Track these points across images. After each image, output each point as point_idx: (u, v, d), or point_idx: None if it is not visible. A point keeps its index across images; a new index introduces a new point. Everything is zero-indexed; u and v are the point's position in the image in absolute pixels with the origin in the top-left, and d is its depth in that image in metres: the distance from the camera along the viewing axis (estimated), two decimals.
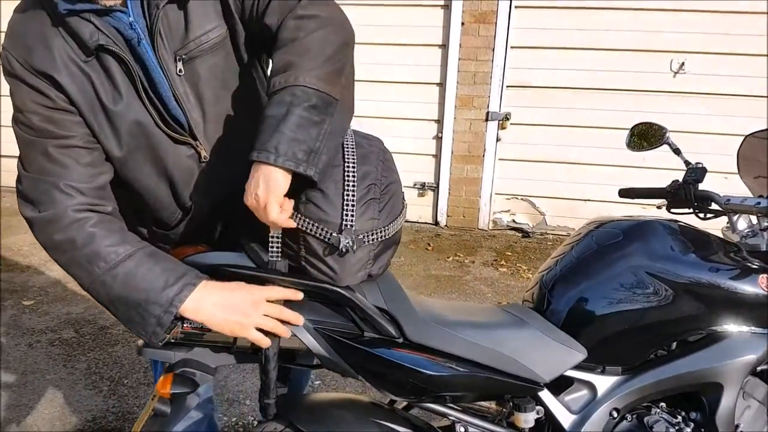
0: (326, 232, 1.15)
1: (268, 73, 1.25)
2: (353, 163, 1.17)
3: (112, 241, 1.15)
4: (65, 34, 1.12)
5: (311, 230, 1.15)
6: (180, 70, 1.19)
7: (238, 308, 1.15)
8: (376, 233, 1.19)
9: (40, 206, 1.15)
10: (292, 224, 1.14)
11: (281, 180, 1.09)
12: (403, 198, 1.29)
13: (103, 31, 1.12)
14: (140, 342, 1.26)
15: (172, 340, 1.22)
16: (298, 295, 1.19)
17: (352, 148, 1.19)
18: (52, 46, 1.12)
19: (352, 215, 1.14)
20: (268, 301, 1.17)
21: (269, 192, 1.09)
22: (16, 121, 1.17)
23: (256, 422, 2.42)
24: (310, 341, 1.23)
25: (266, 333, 1.18)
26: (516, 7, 4.50)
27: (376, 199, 1.18)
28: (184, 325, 1.20)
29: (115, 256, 1.14)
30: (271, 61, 1.19)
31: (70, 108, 1.15)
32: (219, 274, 1.23)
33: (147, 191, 1.27)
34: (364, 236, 1.17)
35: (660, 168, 3.65)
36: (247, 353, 1.27)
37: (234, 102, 1.27)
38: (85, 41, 1.11)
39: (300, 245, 1.19)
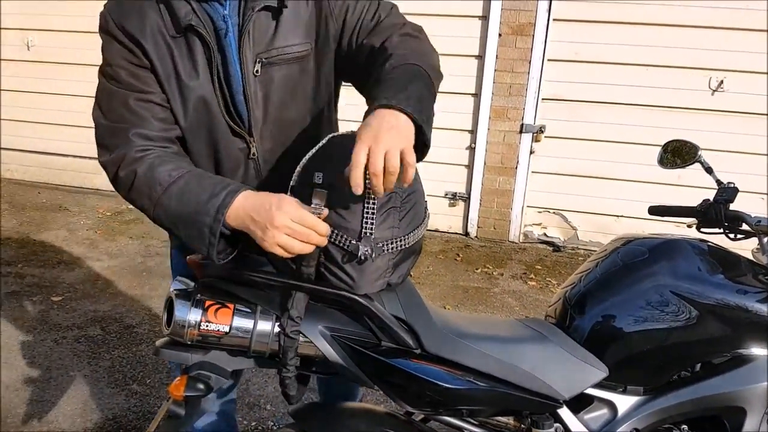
0: (345, 239, 1.15)
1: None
2: None
3: (168, 167, 1.22)
4: (162, 8, 1.23)
5: (330, 237, 1.16)
6: (257, 71, 1.28)
7: (263, 210, 1.11)
8: (396, 242, 1.18)
9: (113, 150, 1.24)
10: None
11: (411, 130, 1.07)
12: (426, 208, 1.28)
13: (197, 14, 1.23)
14: (157, 343, 1.27)
15: (189, 342, 1.22)
16: (322, 239, 1.11)
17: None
18: (146, 17, 1.23)
19: (372, 223, 1.14)
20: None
21: (408, 140, 1.05)
22: (103, 73, 1.27)
23: (275, 427, 2.43)
24: (326, 349, 1.23)
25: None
26: (554, 20, 4.47)
27: (397, 208, 1.18)
28: (201, 327, 1.20)
29: (169, 178, 1.20)
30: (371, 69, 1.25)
31: (152, 70, 1.25)
32: (238, 279, 1.24)
33: (197, 167, 1.33)
34: (383, 245, 1.17)
35: (695, 186, 3.58)
36: (264, 357, 1.27)
37: (296, 112, 1.35)
38: (179, 18, 1.22)
39: (319, 251, 1.19)
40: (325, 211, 1.11)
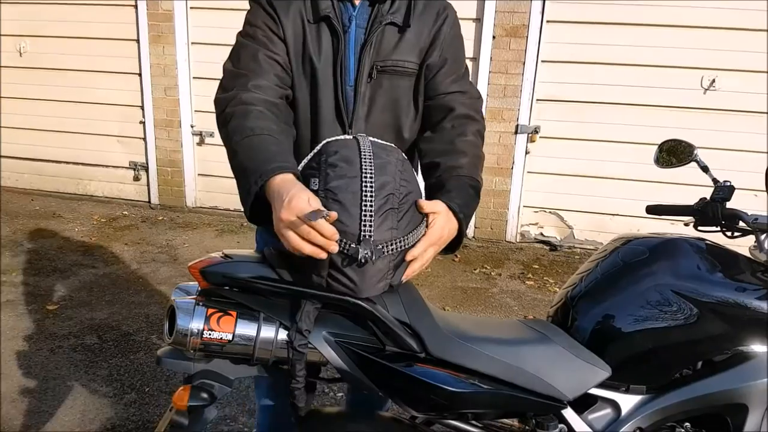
0: (345, 243, 1.14)
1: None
2: (371, 173, 1.17)
3: (257, 123, 1.32)
4: None
5: None
6: (373, 75, 1.47)
7: (280, 199, 1.15)
8: (395, 243, 1.18)
9: (230, 90, 1.39)
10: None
11: (453, 232, 1.33)
12: None
13: (335, 8, 1.44)
14: (159, 352, 1.26)
15: (191, 351, 1.21)
16: (327, 242, 1.11)
17: (370, 159, 1.19)
18: (291, 3, 1.45)
19: (371, 225, 1.14)
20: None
21: (446, 240, 1.31)
22: (242, 34, 1.47)
23: None
24: (331, 355, 1.22)
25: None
26: (547, 21, 4.49)
27: (395, 209, 1.18)
28: (204, 336, 1.19)
29: (251, 132, 1.30)
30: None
31: (284, 41, 1.44)
32: (239, 286, 1.23)
33: (297, 139, 1.50)
34: (383, 246, 1.16)
35: (690, 184, 3.60)
36: (267, 365, 1.26)
37: (393, 119, 1.53)
38: (320, 8, 1.43)
39: (328, 259, 1.19)
40: (333, 215, 1.10)
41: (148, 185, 5.46)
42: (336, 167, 1.18)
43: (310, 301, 1.20)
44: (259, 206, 1.24)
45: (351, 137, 1.25)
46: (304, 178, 1.20)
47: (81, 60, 5.33)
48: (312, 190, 1.16)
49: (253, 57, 1.42)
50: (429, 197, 1.37)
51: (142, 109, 5.29)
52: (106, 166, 5.52)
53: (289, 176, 1.20)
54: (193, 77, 5.17)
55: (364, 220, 1.14)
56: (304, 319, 1.19)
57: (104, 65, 5.28)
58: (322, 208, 1.10)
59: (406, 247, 1.21)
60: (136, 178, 5.48)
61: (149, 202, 5.49)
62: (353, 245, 1.14)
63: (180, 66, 5.11)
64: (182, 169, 5.34)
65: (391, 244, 1.18)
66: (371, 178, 1.16)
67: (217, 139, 5.51)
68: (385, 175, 1.19)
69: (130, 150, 5.44)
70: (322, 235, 1.10)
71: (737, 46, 4.26)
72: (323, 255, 1.12)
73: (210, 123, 5.20)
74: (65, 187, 5.71)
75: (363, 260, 1.14)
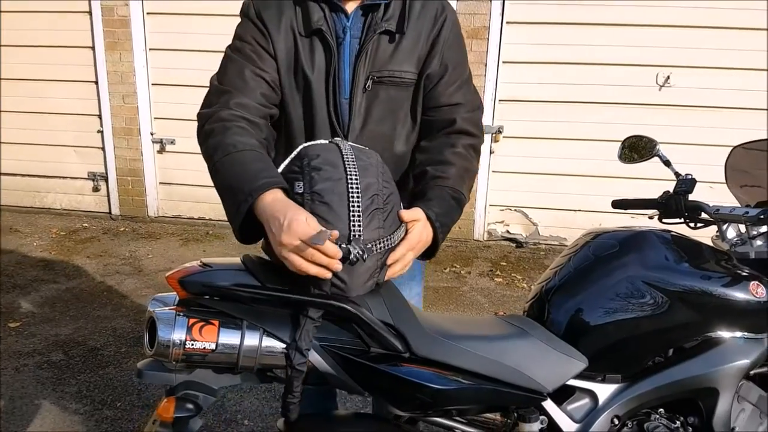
0: (336, 243, 1.15)
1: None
2: (356, 175, 1.19)
3: (239, 138, 1.30)
4: (299, 9, 1.42)
5: (320, 243, 1.16)
6: (368, 87, 1.44)
7: (276, 222, 1.13)
8: (383, 242, 1.20)
9: (211, 106, 1.37)
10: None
11: (429, 240, 1.35)
12: (402, 207, 1.30)
13: (327, 20, 1.41)
14: (139, 365, 1.25)
15: (174, 363, 1.20)
16: (331, 261, 1.11)
17: (353, 161, 1.21)
18: (283, 14, 1.42)
19: (360, 225, 1.16)
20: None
21: (423, 246, 1.33)
22: (230, 47, 1.45)
23: None
24: (317, 360, 1.23)
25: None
26: (507, 23, 4.55)
27: (380, 209, 1.20)
28: (187, 346, 1.18)
29: (233, 148, 1.28)
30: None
31: (274, 57, 1.42)
32: (220, 295, 1.23)
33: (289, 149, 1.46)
34: (372, 245, 1.18)
35: (649, 178, 3.70)
36: (252, 373, 1.26)
37: (390, 129, 1.50)
38: (312, 21, 1.41)
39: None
40: (335, 233, 1.11)
41: (108, 196, 5.35)
42: (320, 170, 1.19)
43: (309, 319, 1.20)
44: (246, 223, 1.22)
45: (329, 141, 1.26)
46: (287, 182, 1.20)
47: (34, 69, 5.19)
48: (297, 194, 1.18)
49: (239, 73, 1.40)
50: (410, 205, 1.37)
51: (100, 118, 5.18)
52: (64, 178, 5.38)
53: (279, 194, 1.18)
54: (152, 84, 5.09)
55: (353, 220, 1.15)
56: (303, 338, 1.19)
57: (59, 74, 5.15)
58: (324, 229, 1.10)
59: (392, 245, 1.24)
60: (96, 189, 5.36)
61: (110, 212, 5.38)
62: (344, 245, 1.15)
63: (138, 73, 5.03)
64: (143, 178, 5.25)
65: (379, 243, 1.20)
66: (356, 179, 1.18)
67: (179, 146, 5.46)
68: (368, 176, 1.20)
69: (88, 160, 5.32)
70: (326, 255, 1.11)
71: (691, 43, 4.40)
72: (328, 275, 1.14)
73: (171, 130, 5.14)
74: (21, 201, 5.54)
75: (355, 259, 1.15)
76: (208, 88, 1.44)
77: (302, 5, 1.42)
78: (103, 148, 5.26)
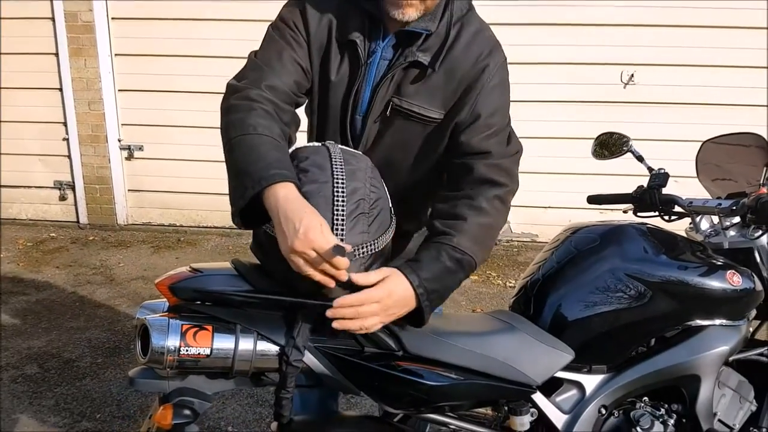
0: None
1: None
2: (342, 179, 1.20)
3: (260, 121, 1.25)
4: (342, 10, 1.38)
5: None
6: (387, 113, 1.39)
7: (291, 225, 1.12)
8: (367, 246, 1.21)
9: (242, 80, 1.33)
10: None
11: (407, 311, 1.25)
12: (391, 212, 1.31)
13: (364, 33, 1.37)
14: (130, 373, 1.24)
15: (168, 369, 1.19)
16: (339, 273, 1.13)
17: (341, 165, 1.22)
18: (326, 10, 1.39)
19: (343, 229, 1.17)
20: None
21: (399, 310, 1.24)
22: (273, 26, 1.41)
23: None
24: (312, 361, 1.24)
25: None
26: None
27: (366, 214, 1.21)
28: (181, 353, 1.17)
29: (252, 130, 1.23)
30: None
31: (308, 49, 1.39)
32: (212, 300, 1.23)
33: None
34: (355, 250, 1.19)
35: (617, 174, 3.78)
36: (245, 377, 1.26)
37: (399, 158, 1.45)
38: (349, 30, 1.37)
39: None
40: (349, 247, 1.12)
41: (75, 204, 5.24)
42: (308, 172, 1.20)
43: (305, 318, 1.21)
44: (249, 208, 1.20)
45: (321, 144, 1.27)
46: None
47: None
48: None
49: (278, 54, 1.36)
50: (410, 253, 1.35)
51: (65, 126, 5.07)
52: (29, 187, 5.25)
53: (292, 191, 1.15)
54: (119, 90, 5.00)
55: (336, 224, 1.16)
56: (301, 334, 1.20)
57: (22, 81, 5.03)
58: (340, 244, 1.10)
59: (377, 250, 1.24)
60: (63, 198, 5.25)
61: (78, 222, 5.27)
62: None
63: (104, 79, 4.94)
64: (111, 185, 5.15)
65: (363, 248, 1.21)
66: (342, 183, 1.19)
67: (147, 152, 5.38)
68: (355, 180, 1.21)
69: (53, 169, 5.20)
70: (334, 267, 1.11)
71: (654, 41, 4.50)
72: (332, 284, 1.14)
73: (139, 136, 5.07)
74: None
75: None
76: (247, 59, 1.40)
77: (346, 9, 1.39)
78: (69, 156, 5.15)
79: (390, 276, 1.23)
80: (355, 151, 1.32)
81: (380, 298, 1.20)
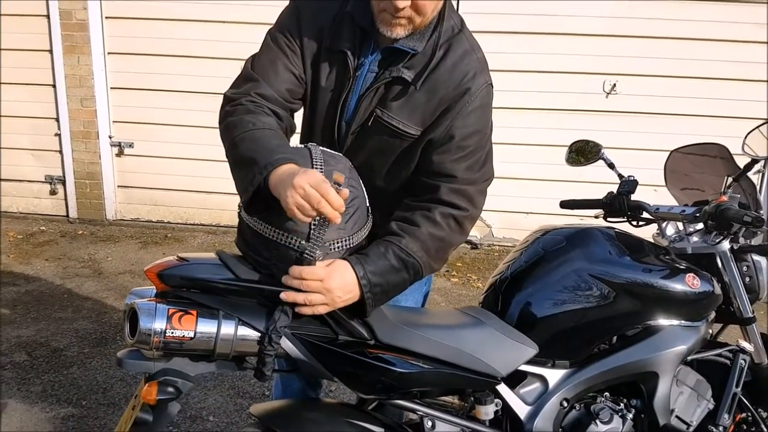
0: (295, 240, 1.25)
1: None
2: None
3: (256, 118, 1.34)
4: (335, 20, 1.43)
5: (281, 239, 1.26)
6: (369, 121, 1.43)
7: (291, 175, 1.18)
8: (342, 242, 1.30)
9: (236, 88, 1.41)
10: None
11: (351, 301, 1.32)
12: (368, 210, 1.40)
13: (354, 44, 1.42)
14: (119, 354, 1.31)
15: (154, 350, 1.26)
16: (333, 212, 1.17)
17: (320, 165, 1.30)
18: (319, 17, 1.43)
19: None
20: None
21: (343, 296, 1.30)
22: (270, 33, 1.47)
23: None
24: (288, 346, 1.31)
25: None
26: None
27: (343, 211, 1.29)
28: (167, 335, 1.25)
29: (252, 126, 1.32)
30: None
31: (302, 55, 1.45)
32: (197, 287, 1.30)
33: None
34: (330, 244, 1.28)
35: (596, 182, 3.87)
36: (226, 360, 1.33)
37: (378, 164, 1.50)
38: (340, 40, 1.42)
39: (271, 253, 1.29)
40: (345, 191, 1.19)
41: (65, 199, 5.29)
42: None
43: (285, 304, 1.29)
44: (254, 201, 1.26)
45: (303, 146, 1.35)
46: None
47: None
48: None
49: (272, 62, 1.43)
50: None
51: (57, 121, 5.12)
52: (20, 181, 5.30)
53: (295, 165, 1.22)
54: (111, 87, 5.06)
55: (313, 220, 1.24)
56: (282, 318, 1.27)
57: (15, 77, 5.08)
58: (335, 183, 1.18)
59: (352, 245, 1.33)
60: (53, 192, 5.30)
61: (67, 216, 5.31)
62: (302, 242, 1.24)
63: (96, 76, 4.99)
64: (101, 181, 5.20)
65: (338, 242, 1.30)
66: None
67: (138, 149, 5.45)
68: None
69: (45, 163, 5.25)
70: (330, 202, 1.15)
71: (636, 52, 4.60)
72: (338, 220, 1.19)
73: (129, 133, 5.12)
74: None
75: (308, 257, 1.25)
76: (243, 66, 1.46)
77: (341, 20, 1.43)
78: (60, 152, 5.20)
79: (335, 262, 1.30)
80: (335, 152, 1.39)
81: (322, 277, 1.26)
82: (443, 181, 1.42)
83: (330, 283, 1.27)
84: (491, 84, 1.48)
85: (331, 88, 1.46)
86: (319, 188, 1.15)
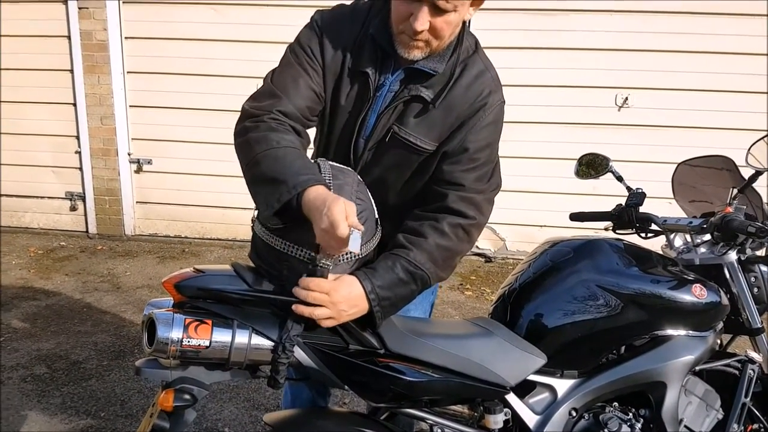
0: (305, 252, 1.29)
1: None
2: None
3: (280, 136, 1.36)
4: (357, 41, 1.46)
5: (292, 252, 1.30)
6: (386, 138, 1.47)
7: (316, 213, 1.21)
8: (350, 253, 1.34)
9: (257, 103, 1.42)
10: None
11: (360, 314, 1.35)
12: (377, 222, 1.44)
13: (375, 65, 1.45)
14: (137, 363, 1.36)
15: (171, 359, 1.30)
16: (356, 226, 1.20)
17: (329, 180, 1.34)
18: (342, 37, 1.46)
19: None
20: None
21: (349, 309, 1.33)
22: (291, 49, 1.49)
23: None
24: (300, 355, 1.35)
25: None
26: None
27: None
28: (183, 343, 1.29)
29: (276, 144, 1.34)
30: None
31: (323, 74, 1.47)
32: (213, 297, 1.35)
33: None
34: (340, 256, 1.32)
35: (609, 195, 3.88)
36: (241, 369, 1.37)
37: (392, 181, 1.54)
38: (362, 61, 1.45)
39: (283, 265, 1.33)
40: (360, 227, 1.22)
41: (85, 215, 5.39)
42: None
43: (298, 315, 1.32)
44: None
45: (313, 161, 1.40)
46: None
47: (13, 91, 5.24)
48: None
49: (293, 79, 1.44)
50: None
51: (78, 139, 5.24)
52: (42, 198, 5.42)
53: (322, 189, 1.26)
54: (130, 106, 5.17)
55: None
56: (294, 327, 1.32)
57: (37, 96, 5.21)
58: (356, 225, 1.19)
59: (361, 256, 1.36)
60: (73, 209, 5.40)
61: (87, 231, 5.41)
62: (312, 254, 1.29)
63: (116, 95, 5.11)
64: (120, 197, 5.30)
65: (346, 254, 1.33)
66: None
67: (155, 166, 5.54)
68: (342, 193, 1.33)
69: (65, 180, 5.36)
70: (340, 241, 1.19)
71: (648, 66, 4.63)
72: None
73: (148, 150, 5.22)
74: None
75: (321, 268, 1.29)
76: (263, 81, 1.48)
77: (361, 39, 1.46)
78: (80, 169, 5.31)
79: (343, 276, 1.34)
80: (344, 166, 1.43)
81: (328, 290, 1.29)
82: (452, 189, 1.46)
83: (336, 296, 1.30)
84: (504, 101, 1.53)
85: (351, 107, 1.49)
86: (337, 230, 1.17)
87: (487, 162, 1.50)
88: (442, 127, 1.47)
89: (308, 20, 1.53)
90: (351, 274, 1.36)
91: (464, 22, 1.45)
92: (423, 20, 1.33)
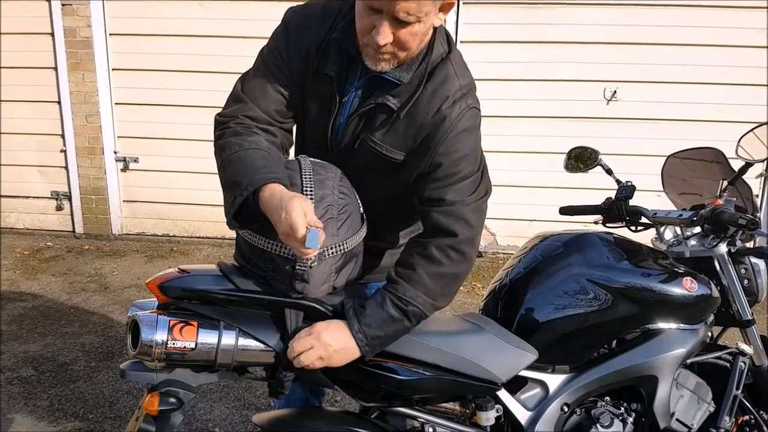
0: (288, 249, 1.27)
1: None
2: (311, 188, 1.31)
3: (243, 139, 1.35)
4: (322, 49, 1.41)
5: (274, 249, 1.28)
6: (356, 144, 1.43)
7: (275, 215, 1.20)
8: (335, 248, 1.32)
9: (225, 110, 1.42)
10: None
11: (349, 358, 1.34)
12: (362, 217, 1.42)
13: (341, 69, 1.40)
14: (122, 365, 1.33)
15: (156, 362, 1.28)
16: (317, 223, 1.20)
17: (310, 175, 1.33)
18: (309, 38, 1.41)
19: None
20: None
21: (335, 345, 1.32)
22: (262, 52, 1.46)
23: None
24: None
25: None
26: (461, 42, 4.72)
27: (334, 218, 1.32)
28: (168, 346, 1.27)
29: (238, 147, 1.33)
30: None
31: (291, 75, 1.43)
32: (198, 298, 1.32)
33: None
34: (324, 250, 1.30)
35: (600, 188, 3.89)
36: (228, 371, 1.35)
37: (366, 181, 1.46)
38: (327, 63, 1.40)
39: (267, 264, 1.31)
40: (320, 224, 1.20)
41: (71, 214, 5.33)
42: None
43: (295, 312, 1.31)
44: (243, 216, 1.30)
45: (294, 158, 1.38)
46: None
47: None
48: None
49: (261, 85, 1.42)
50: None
51: (63, 138, 5.18)
52: (27, 197, 5.35)
53: (277, 188, 1.23)
54: (116, 103, 5.11)
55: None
56: (291, 327, 1.31)
57: (21, 94, 5.14)
58: (315, 223, 1.18)
59: (346, 250, 1.35)
60: (59, 208, 5.35)
61: (74, 231, 5.36)
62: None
63: (101, 92, 5.05)
64: (107, 196, 5.25)
65: (332, 248, 1.32)
66: (311, 191, 1.30)
67: (142, 164, 5.49)
68: (323, 188, 1.32)
69: (51, 179, 5.30)
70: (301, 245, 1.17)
71: (636, 59, 4.63)
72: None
73: (134, 148, 5.17)
74: None
75: (304, 265, 1.27)
76: (233, 87, 1.46)
77: (329, 44, 1.40)
78: (66, 168, 5.25)
79: (332, 321, 1.34)
80: (325, 162, 1.42)
81: (317, 332, 1.31)
82: (433, 206, 1.40)
83: (325, 337, 1.30)
84: (475, 107, 1.44)
85: (320, 110, 1.46)
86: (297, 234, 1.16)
87: (470, 173, 1.41)
88: (407, 137, 1.40)
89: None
90: (339, 317, 1.35)
91: (435, 29, 1.39)
92: (385, 34, 1.26)
